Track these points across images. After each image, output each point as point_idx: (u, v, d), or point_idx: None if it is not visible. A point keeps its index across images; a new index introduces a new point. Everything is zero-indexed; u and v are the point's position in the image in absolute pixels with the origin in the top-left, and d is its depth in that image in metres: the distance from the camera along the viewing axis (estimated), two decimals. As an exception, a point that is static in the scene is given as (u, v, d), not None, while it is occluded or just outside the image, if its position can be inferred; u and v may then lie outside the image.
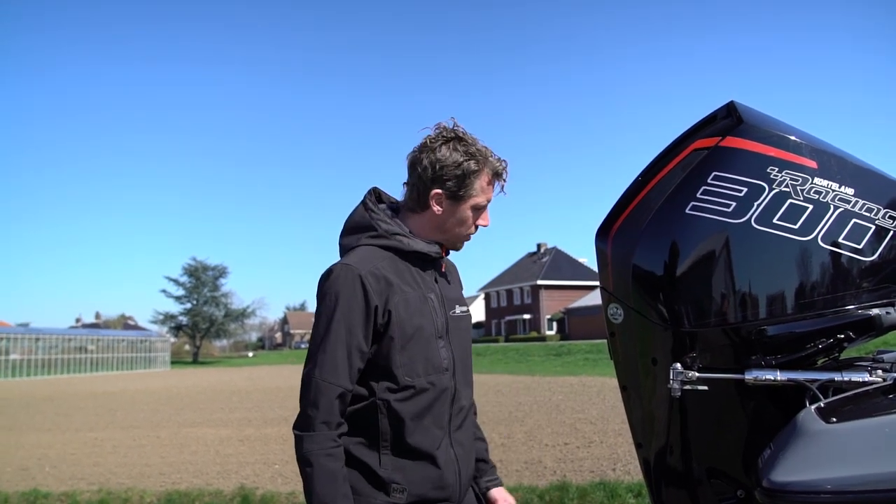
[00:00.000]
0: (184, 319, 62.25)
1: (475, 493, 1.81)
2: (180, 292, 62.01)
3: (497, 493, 1.86)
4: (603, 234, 1.73)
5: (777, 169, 1.52)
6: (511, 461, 7.16)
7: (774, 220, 1.51)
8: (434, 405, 1.62)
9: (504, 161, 1.69)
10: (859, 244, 1.51)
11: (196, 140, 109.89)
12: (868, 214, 1.51)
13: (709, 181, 1.56)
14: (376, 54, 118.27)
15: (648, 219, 1.63)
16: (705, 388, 1.55)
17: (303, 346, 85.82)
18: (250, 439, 9.72)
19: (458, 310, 1.75)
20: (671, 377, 1.54)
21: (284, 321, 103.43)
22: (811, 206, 1.50)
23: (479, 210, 1.69)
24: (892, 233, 1.52)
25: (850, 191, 1.51)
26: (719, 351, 1.61)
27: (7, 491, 6.41)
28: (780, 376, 1.51)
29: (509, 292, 64.02)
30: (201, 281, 62.15)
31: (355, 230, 1.69)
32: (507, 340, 56.90)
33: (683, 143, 1.67)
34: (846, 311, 1.51)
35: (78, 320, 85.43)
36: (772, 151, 1.54)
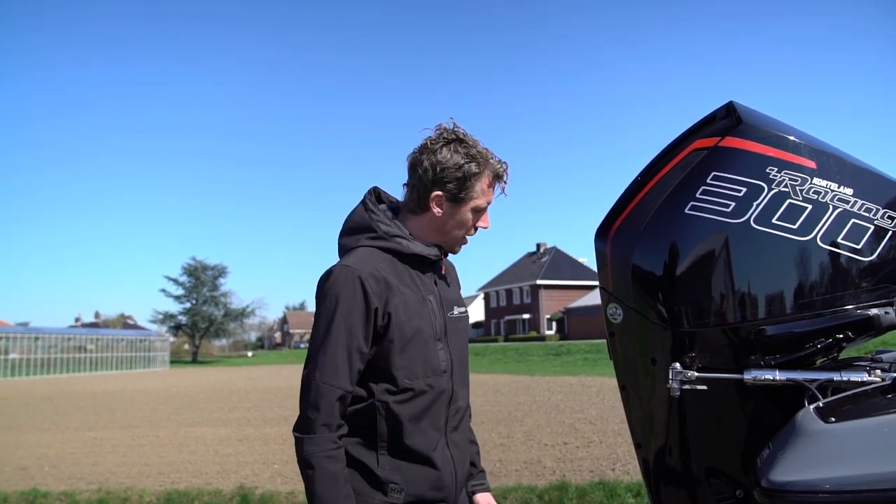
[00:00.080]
0: (183, 319, 62.25)
1: (467, 493, 1.82)
2: (180, 292, 62.12)
3: (482, 498, 1.86)
4: (602, 234, 1.73)
5: (776, 169, 1.53)
6: (510, 461, 7.16)
7: (773, 220, 1.51)
8: (432, 407, 1.62)
9: (505, 163, 1.68)
10: (858, 244, 1.51)
11: (196, 140, 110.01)
12: (867, 214, 1.51)
13: (708, 181, 1.56)
14: (376, 54, 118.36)
15: (648, 219, 1.63)
16: (704, 387, 1.55)
17: (302, 345, 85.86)
18: (249, 439, 9.72)
19: (457, 311, 1.75)
20: (670, 377, 1.55)
21: (284, 321, 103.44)
22: (810, 207, 1.51)
23: (479, 212, 1.69)
24: (890, 233, 1.52)
25: (849, 191, 1.51)
26: (718, 351, 1.61)
27: (6, 490, 6.41)
28: (779, 376, 1.51)
29: (509, 292, 64.03)
30: (201, 280, 62.15)
31: (355, 231, 1.68)
32: (506, 340, 56.92)
33: (683, 144, 1.67)
34: (845, 311, 1.52)
35: (77, 320, 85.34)
36: (771, 151, 1.54)
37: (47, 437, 10.62)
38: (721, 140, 1.58)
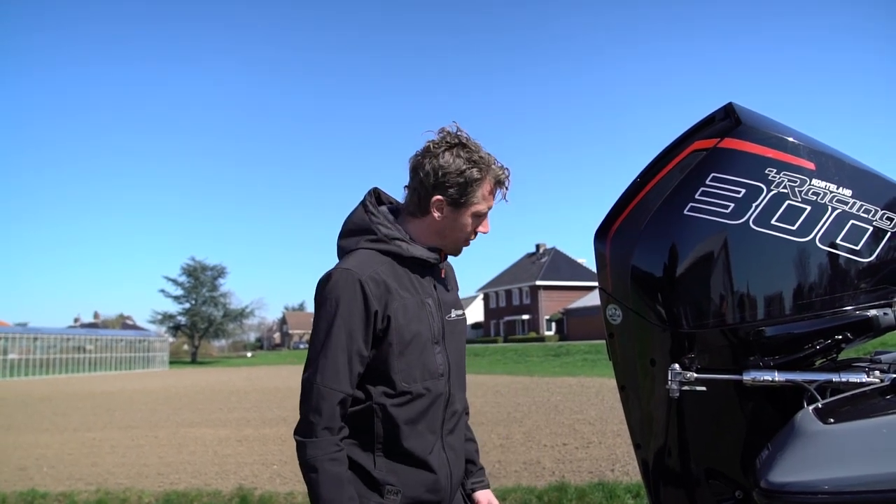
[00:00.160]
0: (182, 319, 62.19)
1: (461, 494, 1.82)
2: (179, 292, 62.05)
3: (482, 495, 1.86)
4: (601, 235, 1.73)
5: (775, 170, 1.53)
6: (510, 462, 7.16)
7: (772, 222, 1.52)
8: (429, 410, 1.63)
9: (507, 169, 1.68)
10: (857, 245, 1.51)
11: (196, 140, 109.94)
12: (866, 216, 1.52)
13: (707, 182, 1.56)
14: (376, 54, 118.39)
15: (647, 220, 1.63)
16: (703, 388, 1.55)
17: (301, 346, 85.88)
18: (249, 439, 9.72)
19: (454, 314, 1.75)
20: (669, 378, 1.55)
21: (283, 321, 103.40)
22: (809, 208, 1.51)
23: (479, 217, 1.69)
24: (889, 234, 1.52)
25: (848, 192, 1.51)
26: (718, 352, 1.61)
27: (5, 491, 6.41)
28: (778, 377, 1.51)
29: (508, 293, 64.04)
30: (200, 281, 62.10)
31: (354, 232, 1.68)
32: (505, 341, 56.91)
33: (682, 145, 1.67)
34: (844, 312, 1.52)
35: (76, 320, 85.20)
36: (770, 153, 1.54)
37: (46, 437, 10.61)
38: (720, 141, 1.59)
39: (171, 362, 52.69)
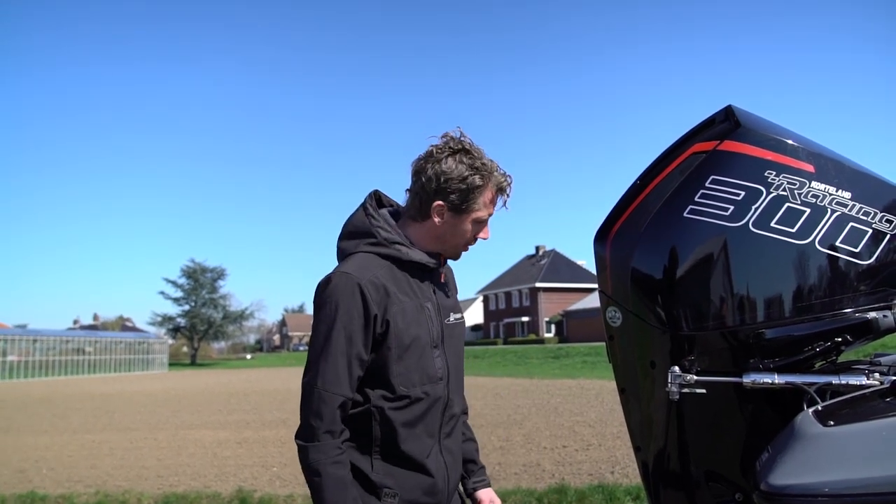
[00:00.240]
0: (182, 321, 62.17)
1: (459, 494, 1.82)
2: (178, 294, 62.03)
3: (484, 494, 1.87)
4: (601, 237, 1.73)
5: (775, 173, 1.53)
6: (509, 464, 7.15)
7: (772, 224, 1.52)
8: (427, 414, 1.63)
9: (509, 177, 1.68)
10: (856, 248, 1.51)
11: (196, 140, 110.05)
12: (865, 218, 1.52)
13: (707, 185, 1.57)
14: (376, 54, 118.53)
15: (647, 222, 1.63)
16: (703, 391, 1.55)
17: (301, 348, 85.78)
18: (248, 442, 9.70)
19: (453, 317, 1.76)
20: (669, 380, 1.55)
21: (283, 323, 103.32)
22: (808, 210, 1.51)
23: (480, 224, 1.69)
24: (888, 236, 1.52)
25: (848, 194, 1.52)
26: (717, 354, 1.61)
27: (4, 493, 6.40)
28: (777, 379, 1.51)
29: (508, 295, 64.01)
30: (199, 283, 62.08)
31: (354, 235, 1.68)
32: (505, 343, 56.88)
33: (681, 147, 1.68)
34: (843, 315, 1.52)
35: (76, 322, 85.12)
36: (769, 155, 1.54)
37: (45, 439, 10.59)
38: (720, 144, 1.59)
39: (171, 364, 52.61)
